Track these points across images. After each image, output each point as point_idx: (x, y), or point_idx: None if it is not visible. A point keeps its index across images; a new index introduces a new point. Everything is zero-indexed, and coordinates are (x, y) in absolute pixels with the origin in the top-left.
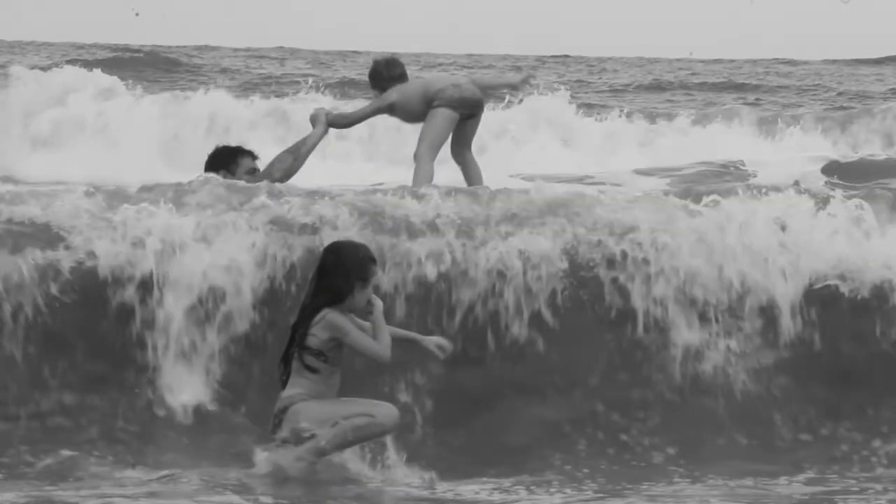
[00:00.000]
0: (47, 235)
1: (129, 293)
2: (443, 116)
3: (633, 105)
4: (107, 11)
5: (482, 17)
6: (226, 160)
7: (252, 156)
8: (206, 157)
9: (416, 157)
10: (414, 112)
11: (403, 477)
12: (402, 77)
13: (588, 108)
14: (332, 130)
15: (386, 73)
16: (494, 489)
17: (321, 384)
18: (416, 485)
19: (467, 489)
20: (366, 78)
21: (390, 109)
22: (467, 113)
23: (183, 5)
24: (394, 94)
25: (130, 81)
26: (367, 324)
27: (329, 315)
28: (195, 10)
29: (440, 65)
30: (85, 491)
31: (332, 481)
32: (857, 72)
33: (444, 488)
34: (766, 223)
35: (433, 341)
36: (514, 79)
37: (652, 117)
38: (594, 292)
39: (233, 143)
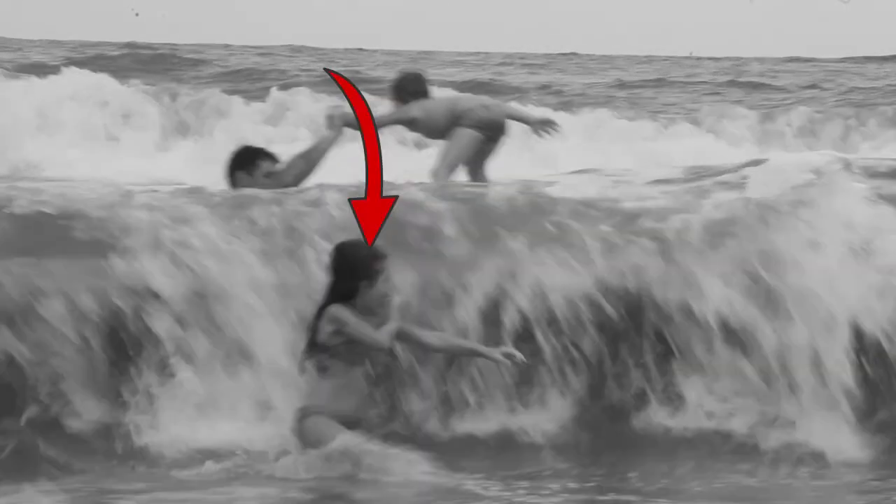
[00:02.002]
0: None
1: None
2: (468, 137)
3: (639, 103)
4: (107, 11)
5: (491, 15)
6: (245, 161)
7: (272, 159)
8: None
9: (434, 174)
10: (437, 129)
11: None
12: (424, 94)
13: (595, 106)
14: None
15: (411, 87)
16: (493, 483)
17: (335, 381)
18: (420, 472)
19: (469, 481)
20: (368, 73)
21: (411, 123)
22: (491, 136)
23: (190, 4)
24: (416, 109)
25: (134, 81)
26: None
27: (331, 308)
28: (202, 9)
29: (449, 62)
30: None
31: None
32: (864, 69)
33: (445, 479)
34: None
35: (501, 351)
36: (533, 118)
37: (657, 115)
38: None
39: (255, 145)
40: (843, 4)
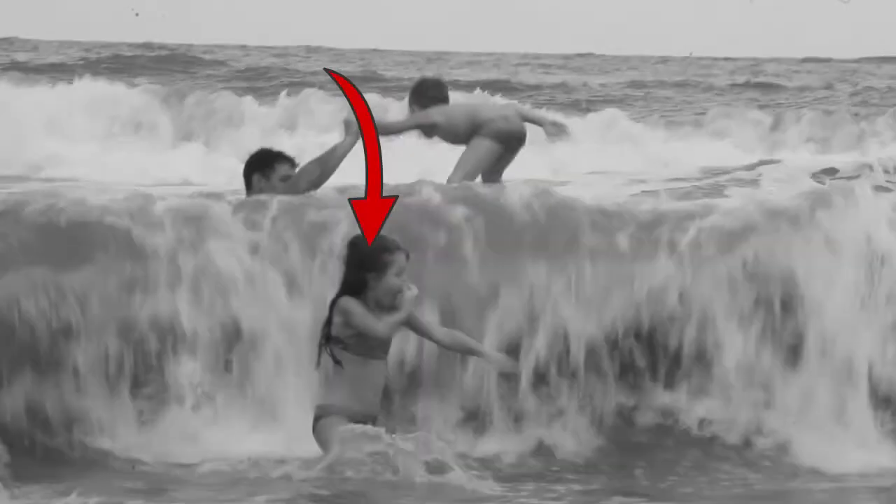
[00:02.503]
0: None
1: None
2: (486, 149)
3: (654, 104)
4: (123, 11)
5: (506, 16)
6: (263, 164)
7: (290, 163)
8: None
9: (449, 182)
10: (457, 135)
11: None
12: (444, 100)
13: (609, 107)
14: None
15: (431, 92)
16: (498, 483)
17: (349, 375)
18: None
19: (474, 479)
20: (384, 73)
21: (431, 128)
22: (509, 147)
23: (207, 4)
24: (437, 114)
25: (147, 81)
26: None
27: (341, 300)
28: (219, 9)
29: (465, 63)
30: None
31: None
32: (879, 69)
33: (450, 478)
34: None
35: (495, 357)
36: (546, 120)
37: (670, 116)
38: None
39: (274, 148)
40: (844, 4)
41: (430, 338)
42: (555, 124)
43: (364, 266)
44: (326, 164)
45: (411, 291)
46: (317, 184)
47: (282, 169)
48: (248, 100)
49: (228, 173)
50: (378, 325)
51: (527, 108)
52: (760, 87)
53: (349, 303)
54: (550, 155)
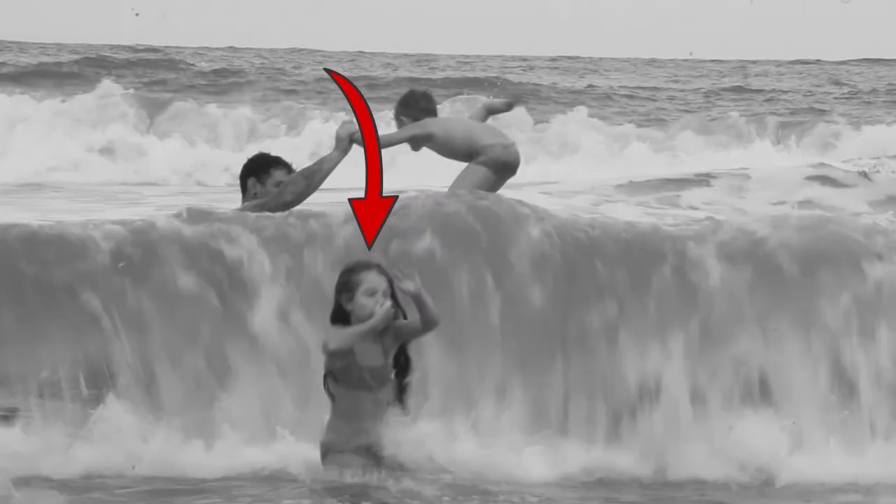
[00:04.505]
0: None
1: None
2: (481, 177)
3: (641, 107)
4: (106, 11)
5: (492, 19)
6: (258, 168)
7: (287, 168)
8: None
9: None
10: (455, 152)
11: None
12: (433, 112)
13: (592, 109)
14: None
15: (422, 104)
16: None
17: (343, 408)
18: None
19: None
20: (370, 74)
21: (425, 139)
22: (504, 175)
23: (195, 6)
24: (433, 125)
25: (128, 83)
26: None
27: (329, 330)
28: (208, 11)
29: (451, 66)
30: None
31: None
32: (871, 70)
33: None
34: None
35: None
36: (506, 101)
37: (660, 119)
38: None
39: (271, 153)
40: (844, 4)
41: (415, 336)
42: (513, 95)
43: (336, 290)
44: (312, 178)
45: (382, 306)
46: (302, 196)
47: (277, 174)
48: (222, 106)
49: (207, 175)
50: (333, 337)
51: (488, 101)
52: (747, 89)
53: (327, 331)
54: (529, 161)
